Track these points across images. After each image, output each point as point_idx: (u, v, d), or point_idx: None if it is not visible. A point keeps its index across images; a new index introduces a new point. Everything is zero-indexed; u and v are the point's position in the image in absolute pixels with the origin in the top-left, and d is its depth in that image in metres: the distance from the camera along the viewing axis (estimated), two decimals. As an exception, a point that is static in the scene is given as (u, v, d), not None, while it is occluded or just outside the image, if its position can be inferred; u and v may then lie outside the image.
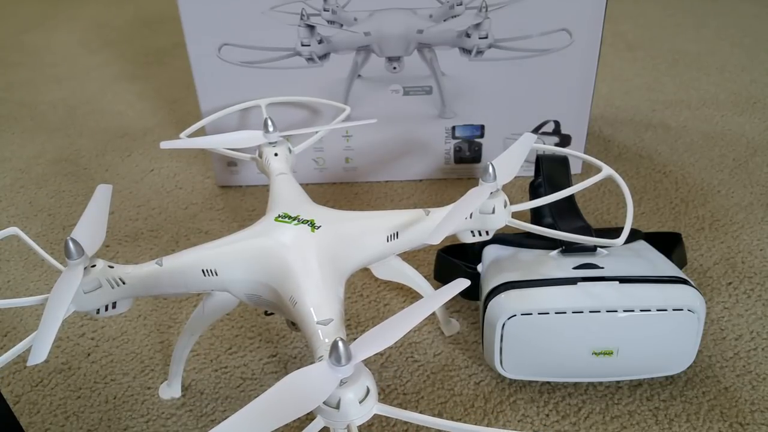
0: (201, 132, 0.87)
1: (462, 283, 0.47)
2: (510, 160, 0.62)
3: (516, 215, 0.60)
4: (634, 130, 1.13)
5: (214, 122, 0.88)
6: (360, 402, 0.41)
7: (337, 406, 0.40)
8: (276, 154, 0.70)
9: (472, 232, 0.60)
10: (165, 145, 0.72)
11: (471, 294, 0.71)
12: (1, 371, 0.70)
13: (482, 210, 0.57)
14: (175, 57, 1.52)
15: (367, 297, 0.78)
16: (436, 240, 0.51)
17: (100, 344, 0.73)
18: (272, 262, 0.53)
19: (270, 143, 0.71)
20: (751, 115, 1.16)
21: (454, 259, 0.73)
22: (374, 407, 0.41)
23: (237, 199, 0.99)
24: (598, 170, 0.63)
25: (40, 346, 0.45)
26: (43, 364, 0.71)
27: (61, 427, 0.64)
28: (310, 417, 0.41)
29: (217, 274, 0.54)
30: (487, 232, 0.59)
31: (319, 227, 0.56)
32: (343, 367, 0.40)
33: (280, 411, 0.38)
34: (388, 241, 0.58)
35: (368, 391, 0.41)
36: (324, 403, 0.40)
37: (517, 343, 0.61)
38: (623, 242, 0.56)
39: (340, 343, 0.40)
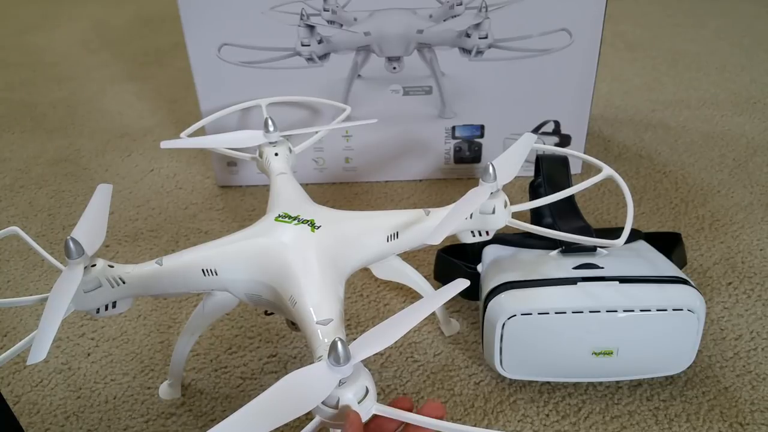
0: (201, 132, 0.87)
1: (461, 284, 0.47)
2: (510, 160, 0.62)
3: (516, 215, 0.60)
4: (634, 130, 1.13)
5: (214, 122, 0.88)
6: (359, 402, 0.41)
7: (336, 406, 0.40)
8: (276, 154, 0.70)
9: (472, 232, 0.60)
10: (165, 144, 0.72)
11: (471, 294, 0.71)
12: (1, 371, 0.70)
13: (482, 210, 0.57)
14: (175, 57, 1.52)
15: (367, 297, 0.78)
16: (437, 240, 0.51)
17: (100, 344, 0.73)
18: (272, 261, 0.53)
19: (270, 143, 0.71)
20: (751, 115, 1.16)
21: (454, 259, 0.73)
22: (373, 407, 0.41)
23: (237, 199, 0.99)
24: (598, 170, 0.63)
25: (39, 345, 0.45)
26: (43, 364, 0.71)
27: (61, 427, 0.64)
28: (309, 417, 0.41)
29: (217, 274, 0.54)
30: (487, 233, 0.59)
31: (319, 227, 0.56)
32: (342, 367, 0.40)
33: (279, 411, 0.38)
34: (388, 241, 0.58)
35: (367, 391, 0.41)
36: (323, 403, 0.40)
37: (517, 343, 0.61)
38: (623, 242, 0.56)
39: (339, 344, 0.40)
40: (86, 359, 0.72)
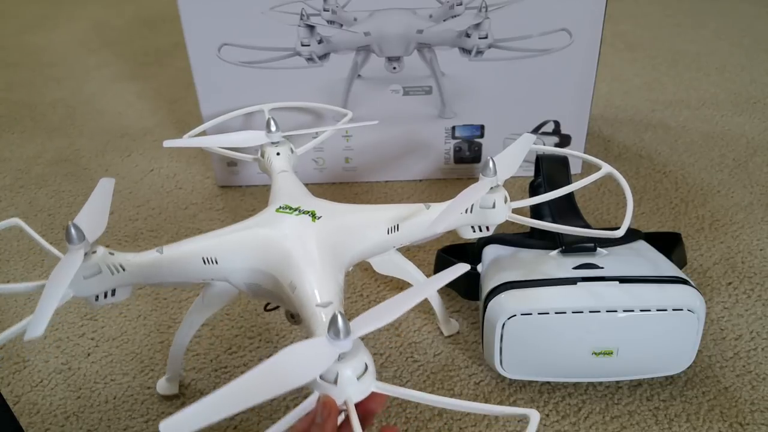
0: (203, 133, 0.87)
1: (461, 268, 0.47)
2: (510, 157, 0.63)
3: (515, 212, 0.60)
4: (634, 130, 1.13)
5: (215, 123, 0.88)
6: (358, 378, 0.40)
7: (335, 382, 0.40)
8: (278, 154, 0.70)
9: (473, 227, 0.60)
10: (168, 143, 0.72)
11: (471, 294, 0.71)
12: (1, 371, 0.70)
13: (483, 205, 0.58)
14: (175, 57, 1.52)
15: (367, 297, 0.78)
16: (439, 229, 0.52)
17: (100, 344, 0.73)
18: (273, 250, 0.54)
19: (272, 143, 0.71)
20: (751, 115, 1.16)
21: (454, 259, 0.73)
22: (372, 384, 0.41)
23: (237, 199, 0.99)
24: (598, 170, 0.63)
25: (37, 321, 0.44)
26: (43, 364, 0.71)
27: (61, 427, 0.64)
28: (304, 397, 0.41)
29: (217, 263, 0.54)
30: (487, 228, 0.59)
31: (320, 217, 0.56)
32: (341, 341, 0.40)
33: (277, 381, 0.38)
34: (388, 233, 0.58)
35: (366, 367, 0.41)
36: (321, 377, 0.40)
37: (517, 343, 0.61)
38: (624, 232, 0.56)
39: (339, 318, 0.39)
40: (86, 359, 0.72)
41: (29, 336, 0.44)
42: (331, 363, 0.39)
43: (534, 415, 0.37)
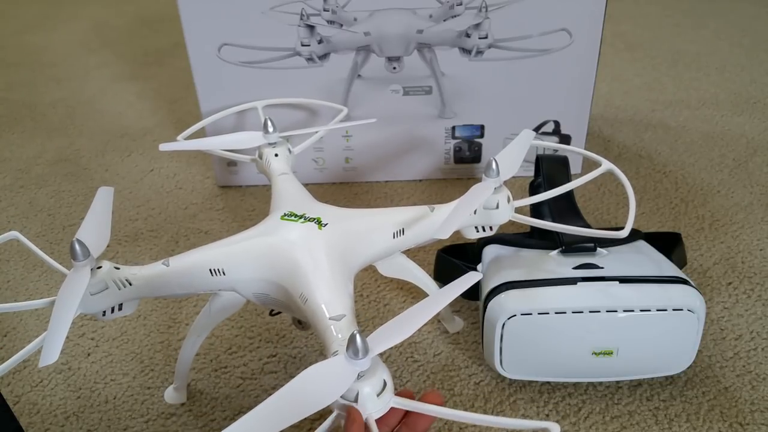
0: (201, 133, 0.87)
1: (474, 276, 0.47)
2: (511, 156, 0.63)
3: (517, 211, 0.60)
4: (634, 130, 1.13)
5: (211, 124, 0.87)
6: (377, 395, 0.41)
7: (355, 400, 0.40)
8: (276, 155, 0.70)
9: (476, 227, 0.60)
10: (164, 147, 0.71)
11: (471, 294, 0.71)
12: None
13: (486, 205, 0.58)
14: (175, 57, 1.52)
15: (367, 297, 0.78)
16: (446, 234, 0.52)
17: (100, 344, 0.73)
18: (281, 260, 0.53)
19: (270, 144, 0.71)
20: (751, 115, 1.16)
21: (453, 259, 0.73)
22: (391, 400, 0.41)
23: (237, 199, 0.99)
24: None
25: (51, 347, 0.44)
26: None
27: (61, 427, 0.64)
28: (323, 415, 0.41)
29: (224, 274, 0.54)
30: (491, 228, 0.60)
31: (326, 225, 0.56)
32: (360, 360, 0.40)
33: (299, 405, 0.38)
34: (394, 237, 0.58)
35: (385, 384, 0.41)
36: (342, 397, 0.40)
37: (517, 343, 0.61)
38: (627, 233, 0.56)
39: (358, 337, 0.40)
40: (86, 359, 0.72)
41: (44, 363, 0.43)
42: (350, 383, 0.40)
43: (554, 429, 0.37)
